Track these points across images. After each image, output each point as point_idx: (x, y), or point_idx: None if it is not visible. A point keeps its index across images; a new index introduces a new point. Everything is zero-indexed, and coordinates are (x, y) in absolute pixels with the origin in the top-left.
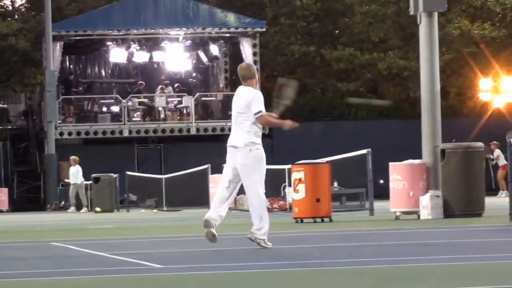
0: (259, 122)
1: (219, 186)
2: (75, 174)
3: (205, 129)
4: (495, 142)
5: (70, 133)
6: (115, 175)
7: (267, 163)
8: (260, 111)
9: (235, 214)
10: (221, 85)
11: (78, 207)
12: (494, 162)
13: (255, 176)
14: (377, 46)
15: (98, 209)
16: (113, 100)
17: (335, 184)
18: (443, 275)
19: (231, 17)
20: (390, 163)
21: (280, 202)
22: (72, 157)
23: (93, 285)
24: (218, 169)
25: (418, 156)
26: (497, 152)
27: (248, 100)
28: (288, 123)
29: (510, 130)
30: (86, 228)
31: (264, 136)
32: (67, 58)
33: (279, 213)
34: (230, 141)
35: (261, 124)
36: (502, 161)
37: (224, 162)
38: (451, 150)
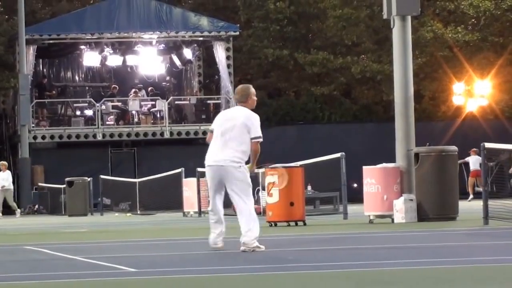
0: (253, 147)
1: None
2: (5, 179)
3: (179, 133)
4: (474, 149)
5: (43, 137)
6: (89, 179)
7: None
8: (258, 137)
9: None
10: (194, 89)
11: (6, 212)
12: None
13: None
14: (350, 50)
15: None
16: (86, 104)
17: (309, 187)
18: (417, 278)
19: (204, 21)
20: (364, 167)
21: (254, 206)
22: (1, 162)
23: None
24: (191, 173)
25: (392, 159)
26: (474, 158)
27: (249, 122)
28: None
29: (503, 152)
30: (60, 232)
31: None
32: (40, 62)
33: None
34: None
35: (254, 150)
36: (474, 166)
37: (198, 166)
38: (425, 154)
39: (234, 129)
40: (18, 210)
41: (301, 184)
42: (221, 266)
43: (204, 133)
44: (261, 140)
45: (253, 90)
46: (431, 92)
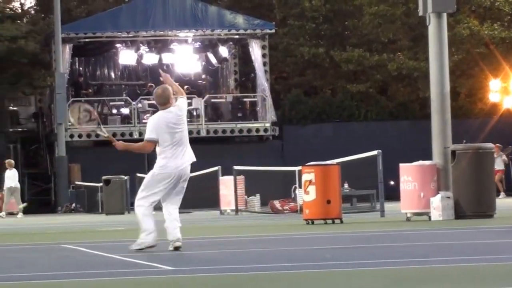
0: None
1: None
2: (11, 178)
3: (215, 131)
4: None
5: (80, 135)
6: (126, 177)
7: (278, 164)
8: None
9: (245, 216)
10: (230, 87)
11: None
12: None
13: None
14: (386, 47)
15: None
16: (122, 102)
17: (346, 185)
18: (455, 276)
19: (240, 19)
20: (401, 164)
21: (291, 203)
22: (7, 161)
23: (104, 287)
24: (228, 171)
25: (429, 157)
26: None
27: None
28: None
29: (509, 146)
30: (97, 230)
31: (274, 138)
32: (76, 60)
33: (289, 215)
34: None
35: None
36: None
37: (234, 164)
38: (462, 151)
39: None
40: (21, 213)
41: (338, 181)
42: (258, 264)
43: (241, 131)
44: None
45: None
46: (467, 89)
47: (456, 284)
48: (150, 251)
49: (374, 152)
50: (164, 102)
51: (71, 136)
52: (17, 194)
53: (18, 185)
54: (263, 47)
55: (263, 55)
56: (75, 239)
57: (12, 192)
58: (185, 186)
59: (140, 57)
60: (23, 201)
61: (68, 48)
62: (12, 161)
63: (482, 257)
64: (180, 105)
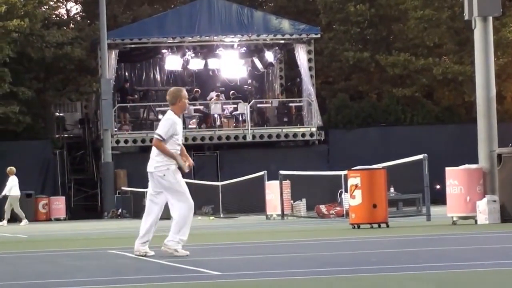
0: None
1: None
2: (8, 186)
3: (261, 136)
4: None
5: (126, 141)
6: None
7: (324, 169)
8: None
9: (291, 221)
10: (276, 92)
11: (14, 219)
12: None
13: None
14: (431, 51)
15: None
16: (168, 108)
17: (392, 189)
18: (502, 280)
19: (285, 24)
20: (447, 168)
21: (337, 208)
22: (9, 168)
23: None
24: (274, 176)
25: (474, 161)
26: None
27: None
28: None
29: None
30: None
31: (320, 142)
32: (122, 66)
33: (335, 219)
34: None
35: (154, 146)
36: None
37: (279, 168)
38: (508, 155)
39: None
40: (24, 221)
41: (384, 186)
42: (303, 268)
43: (286, 135)
44: (157, 137)
45: (184, 93)
46: None
47: None
48: (196, 256)
49: (420, 156)
50: (170, 102)
51: (117, 141)
52: (14, 202)
53: (16, 193)
54: (308, 52)
55: (309, 60)
56: (122, 245)
57: (11, 201)
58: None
59: (186, 62)
60: (68, 208)
61: (114, 54)
62: (14, 169)
63: None
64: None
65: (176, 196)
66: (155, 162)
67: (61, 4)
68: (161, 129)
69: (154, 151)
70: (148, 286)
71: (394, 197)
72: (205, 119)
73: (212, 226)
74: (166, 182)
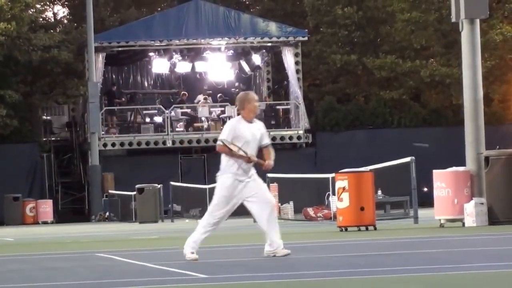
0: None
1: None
2: None
3: None
4: None
5: (113, 144)
6: (159, 186)
7: (311, 172)
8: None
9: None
10: (263, 95)
11: None
12: None
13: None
14: (419, 54)
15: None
16: (156, 111)
17: (379, 192)
18: (489, 282)
19: (272, 27)
20: (434, 171)
21: (324, 210)
22: None
23: None
24: (261, 178)
25: (462, 163)
26: None
27: None
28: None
29: None
30: (131, 239)
31: (307, 145)
32: (109, 69)
33: (323, 222)
34: None
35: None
36: None
37: (267, 171)
38: (495, 157)
39: None
40: None
41: (372, 188)
42: (290, 271)
43: (274, 138)
44: (220, 142)
45: (250, 96)
46: (500, 95)
47: None
48: (184, 259)
49: (408, 159)
50: (238, 108)
51: (104, 145)
52: None
53: None
54: (296, 55)
55: (296, 63)
56: (109, 248)
57: None
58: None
59: (173, 65)
60: (55, 211)
61: (101, 57)
62: None
63: None
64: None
65: (212, 201)
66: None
67: (48, 7)
68: (221, 134)
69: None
70: None
71: (382, 200)
72: (193, 122)
73: None
74: (217, 183)
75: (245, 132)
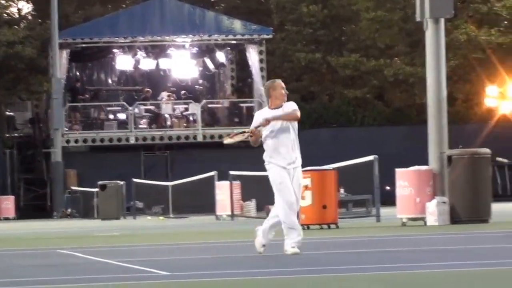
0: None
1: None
2: None
3: (212, 136)
4: None
5: (76, 141)
6: (122, 182)
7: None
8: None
9: (241, 221)
10: (227, 92)
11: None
12: None
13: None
14: (383, 53)
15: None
16: (119, 108)
17: (342, 190)
18: (450, 281)
19: (237, 24)
20: (397, 169)
21: None
22: None
23: None
24: (224, 176)
25: (425, 162)
26: None
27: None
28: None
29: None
30: (93, 235)
31: None
32: (73, 66)
33: None
34: None
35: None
36: None
37: (230, 169)
38: (458, 156)
39: None
40: None
41: (334, 187)
42: (252, 269)
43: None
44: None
45: (275, 84)
46: (464, 95)
47: None
48: (146, 256)
49: (371, 157)
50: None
51: (67, 141)
52: None
53: None
54: (260, 52)
55: (260, 60)
56: (71, 244)
57: None
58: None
59: (137, 62)
60: (17, 208)
61: (65, 54)
62: None
63: (477, 262)
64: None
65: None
66: None
67: (12, 3)
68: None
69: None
70: (96, 286)
71: (344, 198)
72: (156, 119)
73: (162, 226)
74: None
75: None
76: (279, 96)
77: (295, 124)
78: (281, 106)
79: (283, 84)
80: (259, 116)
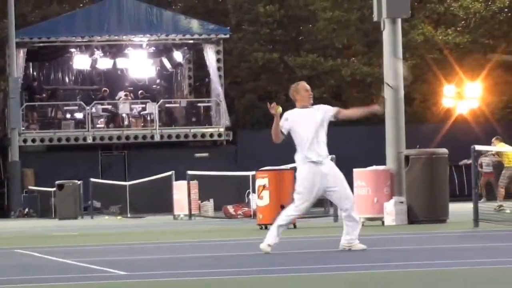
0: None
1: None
2: None
3: (169, 136)
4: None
5: (34, 140)
6: (79, 182)
7: (232, 169)
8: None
9: (199, 221)
10: (185, 92)
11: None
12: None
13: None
14: (340, 53)
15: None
16: (76, 107)
17: None
18: (407, 281)
19: (194, 24)
20: (354, 169)
21: (245, 208)
22: None
23: None
24: (182, 176)
25: (382, 162)
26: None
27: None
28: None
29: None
30: (51, 235)
31: (228, 143)
32: (30, 65)
33: (243, 220)
34: None
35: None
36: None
37: (187, 168)
38: (415, 156)
39: None
40: None
41: (292, 187)
42: (210, 269)
43: (195, 136)
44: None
45: (300, 86)
46: (421, 95)
47: None
48: (104, 256)
49: (329, 157)
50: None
51: (25, 140)
52: None
53: None
54: (217, 52)
55: (218, 60)
56: (28, 244)
57: None
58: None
59: (95, 61)
60: None
61: (22, 53)
62: None
63: (432, 262)
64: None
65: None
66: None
67: None
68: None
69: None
70: (52, 286)
71: None
72: (113, 119)
73: (119, 226)
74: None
75: (297, 117)
76: (304, 98)
77: None
78: (307, 107)
79: (307, 86)
80: (286, 119)
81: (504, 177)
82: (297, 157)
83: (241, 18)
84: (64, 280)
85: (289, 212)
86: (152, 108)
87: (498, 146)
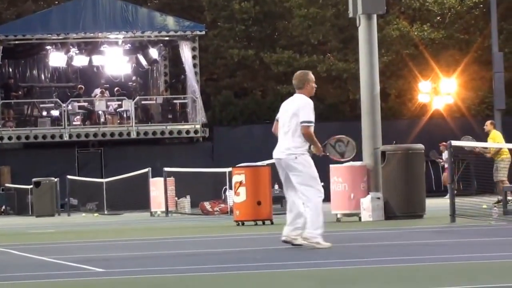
0: (302, 131)
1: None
2: None
3: (145, 133)
4: (444, 143)
5: (10, 138)
6: (56, 179)
7: (208, 166)
8: (306, 121)
9: (176, 217)
10: (161, 89)
11: None
12: (442, 163)
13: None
14: (316, 49)
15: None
16: (53, 104)
17: (276, 186)
18: (383, 277)
19: (170, 21)
20: (331, 165)
21: (221, 205)
22: None
23: None
24: (158, 173)
25: (359, 158)
26: (446, 154)
27: (297, 109)
28: (319, 149)
29: (466, 136)
30: (27, 232)
31: (204, 139)
32: (6, 62)
33: (220, 216)
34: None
35: (304, 134)
36: None
37: (164, 165)
38: (392, 152)
39: (290, 120)
40: None
41: (268, 183)
42: (188, 266)
43: (171, 132)
44: (308, 124)
45: (311, 76)
46: (397, 91)
47: (384, 284)
48: (81, 253)
49: None
50: (297, 86)
51: (1, 138)
52: None
53: None
54: (193, 49)
55: (193, 57)
56: (5, 242)
57: None
58: (291, 174)
59: (70, 59)
60: None
61: None
62: None
63: (410, 257)
64: (299, 108)
65: (308, 181)
66: (288, 149)
67: None
68: (308, 115)
69: (288, 138)
70: (30, 284)
71: (279, 194)
72: (90, 116)
73: (96, 223)
74: (300, 165)
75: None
76: (311, 90)
77: None
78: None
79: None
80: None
81: (502, 170)
82: (300, 144)
83: (217, 15)
84: (41, 277)
85: (317, 201)
86: (128, 105)
87: (492, 133)
